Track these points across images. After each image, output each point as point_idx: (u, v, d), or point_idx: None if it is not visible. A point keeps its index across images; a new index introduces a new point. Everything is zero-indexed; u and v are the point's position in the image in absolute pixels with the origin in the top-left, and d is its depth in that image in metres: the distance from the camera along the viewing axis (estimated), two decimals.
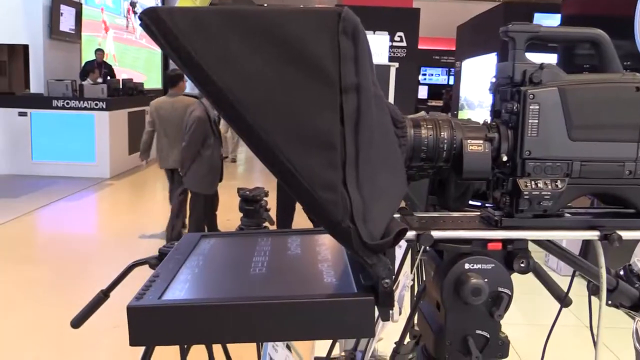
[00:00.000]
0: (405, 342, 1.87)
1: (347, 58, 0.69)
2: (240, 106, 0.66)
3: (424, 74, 18.68)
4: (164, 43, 0.67)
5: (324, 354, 2.19)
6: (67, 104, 8.99)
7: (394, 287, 1.11)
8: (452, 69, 14.85)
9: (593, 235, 0.84)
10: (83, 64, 11.14)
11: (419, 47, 10.20)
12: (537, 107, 0.81)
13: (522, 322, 3.83)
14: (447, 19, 14.71)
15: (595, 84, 0.83)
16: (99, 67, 10.90)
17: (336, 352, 2.31)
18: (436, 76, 18.92)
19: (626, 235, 0.84)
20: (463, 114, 10.94)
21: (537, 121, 0.81)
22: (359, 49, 0.69)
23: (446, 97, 16.29)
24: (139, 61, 15.44)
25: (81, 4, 11.02)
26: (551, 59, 6.22)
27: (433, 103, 17.48)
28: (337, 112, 0.69)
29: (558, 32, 0.90)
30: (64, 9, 10.22)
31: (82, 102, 9.01)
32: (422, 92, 17.86)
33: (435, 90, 17.98)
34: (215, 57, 0.66)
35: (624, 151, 0.83)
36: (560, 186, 0.82)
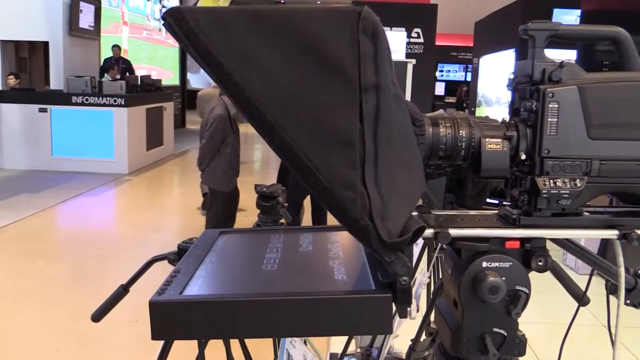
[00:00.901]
0: (422, 340, 1.87)
1: (366, 57, 0.69)
2: (261, 105, 0.67)
3: (441, 71, 18.59)
4: (186, 42, 0.68)
5: (339, 351, 2.20)
6: (87, 100, 9.08)
7: (411, 285, 1.11)
8: (470, 66, 14.76)
9: (612, 234, 0.84)
10: (102, 61, 11.27)
11: (437, 43, 10.15)
12: (556, 105, 0.81)
13: (539, 320, 3.81)
14: (465, 15, 14.60)
15: (615, 83, 0.83)
16: (117, 62, 11.01)
17: (351, 348, 2.32)
18: (453, 72, 18.82)
19: None
20: (481, 111, 10.88)
21: (556, 120, 0.81)
22: (378, 48, 0.70)
23: (459, 93, 16.22)
24: (167, 59, 16.11)
25: (100, 1, 11.12)
26: (570, 55, 6.16)
27: (450, 100, 17.39)
28: (356, 111, 0.69)
29: (578, 30, 0.89)
30: (83, 5, 10.32)
31: (101, 98, 9.10)
32: (439, 89, 17.77)
33: (452, 87, 17.89)
34: (236, 56, 0.67)
35: None
36: (579, 185, 0.82)
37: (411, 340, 1.86)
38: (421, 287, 1.54)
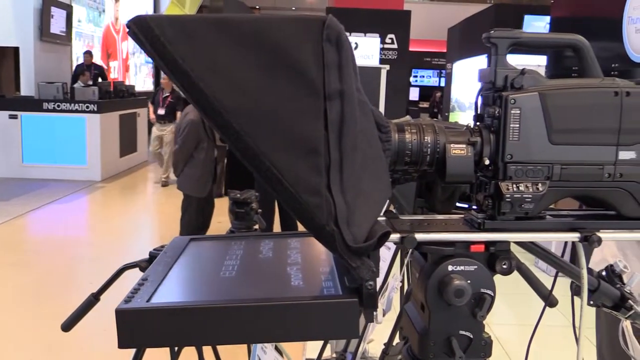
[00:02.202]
0: (395, 343, 1.88)
1: (331, 65, 0.70)
2: (227, 113, 0.68)
3: (415, 76, 18.76)
4: (152, 51, 0.68)
5: (315, 356, 2.20)
6: (58, 106, 8.96)
7: (384, 289, 1.12)
8: (444, 71, 14.91)
9: (573, 237, 0.86)
10: (74, 67, 11.15)
11: (410, 49, 10.22)
12: (518, 111, 0.83)
13: (513, 322, 3.86)
14: (438, 21, 14.77)
15: (575, 89, 0.85)
16: (89, 68, 10.89)
17: (327, 353, 2.32)
18: (427, 78, 19.00)
19: (606, 236, 0.86)
20: (454, 116, 10.99)
21: (518, 125, 0.83)
22: (342, 56, 0.71)
23: (432, 99, 16.46)
24: None
25: (71, 6, 11.00)
26: (541, 60, 6.27)
27: (425, 105, 17.57)
28: (321, 118, 0.70)
29: (539, 38, 0.92)
30: (54, 10, 10.19)
31: (73, 104, 8.99)
32: (414, 94, 17.92)
33: (426, 92, 18.06)
34: (202, 64, 0.68)
35: (603, 155, 0.85)
36: (541, 189, 0.84)
37: (384, 344, 1.87)
38: (393, 291, 1.56)
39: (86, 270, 5.01)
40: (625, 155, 0.85)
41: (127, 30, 0.69)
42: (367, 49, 6.65)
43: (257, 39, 0.69)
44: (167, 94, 8.44)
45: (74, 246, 5.78)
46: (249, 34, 0.69)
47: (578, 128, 0.84)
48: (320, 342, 2.10)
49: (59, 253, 5.47)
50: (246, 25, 0.69)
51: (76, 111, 8.97)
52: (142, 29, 0.67)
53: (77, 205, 7.77)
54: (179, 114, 8.31)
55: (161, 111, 8.50)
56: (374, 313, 0.73)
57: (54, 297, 4.33)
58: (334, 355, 2.37)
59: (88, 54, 11.28)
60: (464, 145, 0.85)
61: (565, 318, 1.04)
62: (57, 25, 10.38)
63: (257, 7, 19.47)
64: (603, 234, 0.86)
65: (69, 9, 10.79)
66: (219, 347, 1.63)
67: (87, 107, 8.97)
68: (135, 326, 0.71)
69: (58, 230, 6.46)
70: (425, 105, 17.47)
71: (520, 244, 0.91)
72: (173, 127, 8.39)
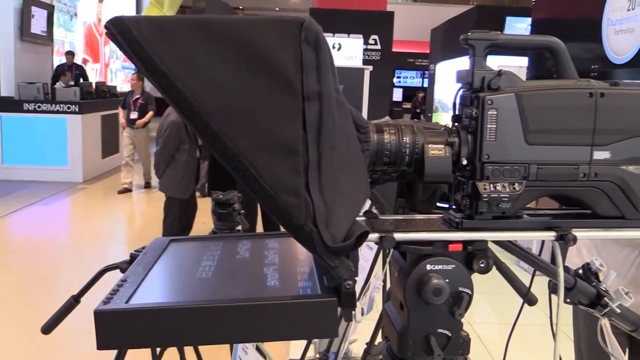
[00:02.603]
0: (377, 343, 1.89)
1: (309, 66, 0.70)
2: (205, 113, 0.68)
3: (399, 77, 18.83)
4: (130, 51, 0.68)
5: (298, 356, 2.20)
6: (39, 107, 8.86)
7: (366, 289, 1.13)
8: (427, 72, 14.99)
9: (549, 235, 0.87)
10: (55, 67, 11.03)
11: (394, 50, 10.25)
12: (495, 112, 0.84)
13: (495, 321, 3.89)
14: (421, 22, 14.86)
15: (551, 90, 0.86)
16: (70, 69, 10.80)
17: (310, 354, 2.32)
18: (410, 79, 19.08)
19: (581, 235, 0.88)
20: (437, 116, 11.05)
21: (495, 126, 0.84)
22: (320, 57, 0.71)
23: (415, 100, 16.58)
24: None
25: (53, 6, 10.89)
26: (523, 62, 6.33)
27: (408, 105, 17.65)
28: (299, 119, 0.70)
29: (515, 39, 0.93)
30: (35, 10, 10.09)
31: (54, 105, 8.90)
32: (397, 95, 17.98)
33: (410, 93, 18.15)
34: (180, 65, 0.68)
35: (578, 155, 0.86)
36: (517, 189, 0.85)
37: (366, 343, 1.88)
38: (375, 290, 1.56)
39: (67, 272, 4.97)
40: (600, 155, 0.86)
41: (106, 31, 0.69)
42: (350, 50, 6.67)
43: (236, 40, 0.69)
44: (138, 96, 8.28)
45: (55, 248, 5.72)
46: (228, 35, 0.69)
47: (554, 129, 0.86)
48: (304, 343, 2.11)
49: (40, 255, 5.41)
50: (225, 26, 0.70)
51: (57, 112, 8.88)
52: (119, 30, 0.67)
53: (58, 207, 7.69)
54: (150, 114, 8.23)
55: (134, 115, 8.26)
56: (353, 312, 0.73)
57: (35, 299, 4.28)
58: (317, 355, 2.37)
59: (69, 54, 11.18)
60: (442, 146, 0.86)
61: (546, 316, 1.06)
62: (37, 25, 10.27)
63: (241, 7, 19.42)
64: (578, 233, 0.88)
65: (50, 9, 10.69)
66: (201, 348, 1.63)
67: (69, 107, 8.88)
68: (114, 327, 0.71)
69: (39, 232, 6.38)
70: (409, 106, 17.57)
71: (498, 242, 0.92)
72: (147, 131, 8.32)
